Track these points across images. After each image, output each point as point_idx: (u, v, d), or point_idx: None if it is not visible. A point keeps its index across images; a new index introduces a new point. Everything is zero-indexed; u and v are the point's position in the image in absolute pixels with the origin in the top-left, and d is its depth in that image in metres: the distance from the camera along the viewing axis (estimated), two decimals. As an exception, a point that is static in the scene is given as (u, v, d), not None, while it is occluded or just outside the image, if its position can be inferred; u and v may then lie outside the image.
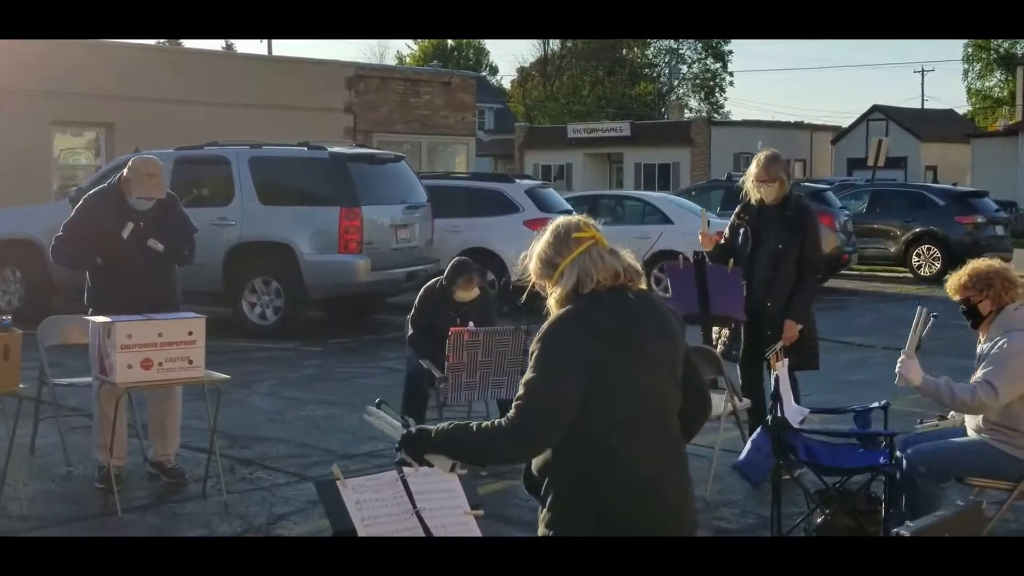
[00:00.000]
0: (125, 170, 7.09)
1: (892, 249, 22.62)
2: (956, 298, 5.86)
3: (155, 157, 7.22)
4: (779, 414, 5.85)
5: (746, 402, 7.37)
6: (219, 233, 13.22)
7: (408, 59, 73.18)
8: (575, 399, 3.30)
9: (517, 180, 16.44)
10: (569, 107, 68.34)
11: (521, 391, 3.35)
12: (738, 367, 7.51)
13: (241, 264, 13.31)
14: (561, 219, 3.57)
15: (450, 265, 7.96)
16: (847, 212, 20.84)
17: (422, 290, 8.06)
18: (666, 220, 17.57)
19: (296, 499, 6.90)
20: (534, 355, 3.37)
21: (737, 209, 7.61)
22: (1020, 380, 5.53)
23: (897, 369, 5.67)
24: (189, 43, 24.62)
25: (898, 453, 5.82)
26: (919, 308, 5.71)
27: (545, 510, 3.41)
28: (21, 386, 6.44)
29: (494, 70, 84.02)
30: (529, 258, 3.57)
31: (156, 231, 7.07)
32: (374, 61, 62.54)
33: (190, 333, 6.65)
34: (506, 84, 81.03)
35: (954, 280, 5.86)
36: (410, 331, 7.87)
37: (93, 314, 6.91)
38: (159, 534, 6.19)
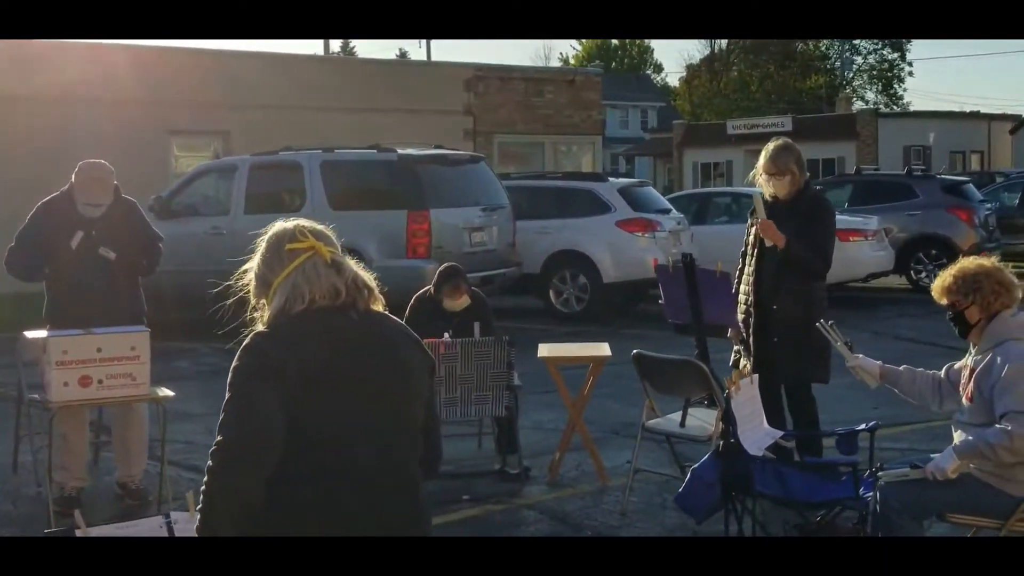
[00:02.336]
0: (73, 175, 6.73)
1: (1045, 245, 21.00)
2: (942, 302, 5.02)
3: (103, 161, 6.76)
4: (730, 439, 5.12)
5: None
6: (292, 240, 13.02)
7: (572, 59, 72.72)
8: (278, 412, 2.77)
9: (610, 179, 15.74)
10: (737, 103, 66.56)
11: (220, 417, 2.83)
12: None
13: (312, 271, 13.01)
14: (276, 227, 3.02)
15: (437, 272, 7.44)
16: (990, 206, 19.39)
17: (412, 300, 7.56)
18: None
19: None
20: (229, 379, 2.85)
21: (752, 207, 6.90)
22: None
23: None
24: (309, 49, 24.54)
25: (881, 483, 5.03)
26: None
27: None
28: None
29: (658, 68, 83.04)
30: (249, 275, 3.03)
31: (110, 239, 6.67)
32: (539, 63, 62.36)
33: (132, 348, 6.29)
34: (672, 81, 79.93)
35: (939, 282, 5.01)
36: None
37: (50, 329, 6.62)
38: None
